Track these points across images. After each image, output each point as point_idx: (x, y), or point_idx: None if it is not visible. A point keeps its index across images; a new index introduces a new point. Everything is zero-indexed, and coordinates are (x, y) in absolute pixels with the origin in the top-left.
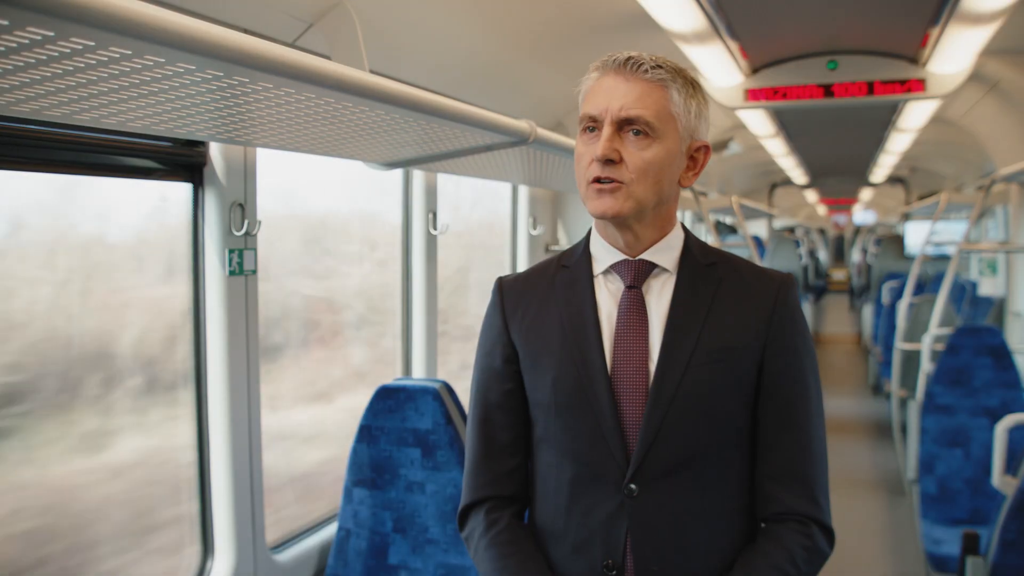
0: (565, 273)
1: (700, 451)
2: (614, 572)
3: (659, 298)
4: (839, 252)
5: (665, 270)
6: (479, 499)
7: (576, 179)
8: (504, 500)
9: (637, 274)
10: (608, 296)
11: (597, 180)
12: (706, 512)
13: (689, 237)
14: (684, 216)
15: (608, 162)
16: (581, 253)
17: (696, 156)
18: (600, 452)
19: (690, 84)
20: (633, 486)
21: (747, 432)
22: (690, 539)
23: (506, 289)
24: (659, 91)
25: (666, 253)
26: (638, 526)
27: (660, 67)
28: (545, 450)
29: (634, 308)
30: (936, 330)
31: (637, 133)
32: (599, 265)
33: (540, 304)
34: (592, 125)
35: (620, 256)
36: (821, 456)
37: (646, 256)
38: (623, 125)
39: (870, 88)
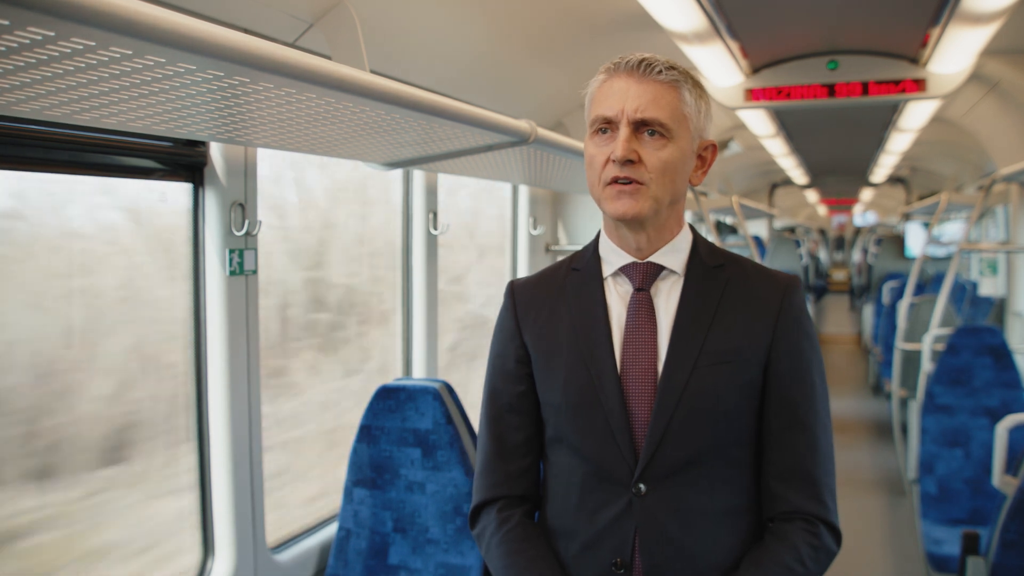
0: (575, 276)
1: (707, 451)
2: (622, 571)
3: (667, 300)
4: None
5: (673, 272)
6: (491, 498)
7: (588, 181)
8: (515, 499)
9: (645, 277)
10: (618, 298)
11: (615, 181)
12: (713, 511)
13: (697, 239)
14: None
15: (627, 162)
16: (591, 256)
17: (704, 155)
18: (609, 452)
19: (698, 85)
20: (641, 485)
21: (753, 432)
22: (697, 538)
23: (518, 292)
24: (672, 92)
25: (674, 255)
26: (646, 525)
27: (673, 68)
28: (556, 450)
29: (642, 310)
30: (936, 330)
31: (652, 134)
32: (608, 267)
33: (551, 306)
34: (605, 127)
35: (629, 259)
36: (827, 456)
37: (654, 259)
38: (639, 126)
39: (871, 88)
